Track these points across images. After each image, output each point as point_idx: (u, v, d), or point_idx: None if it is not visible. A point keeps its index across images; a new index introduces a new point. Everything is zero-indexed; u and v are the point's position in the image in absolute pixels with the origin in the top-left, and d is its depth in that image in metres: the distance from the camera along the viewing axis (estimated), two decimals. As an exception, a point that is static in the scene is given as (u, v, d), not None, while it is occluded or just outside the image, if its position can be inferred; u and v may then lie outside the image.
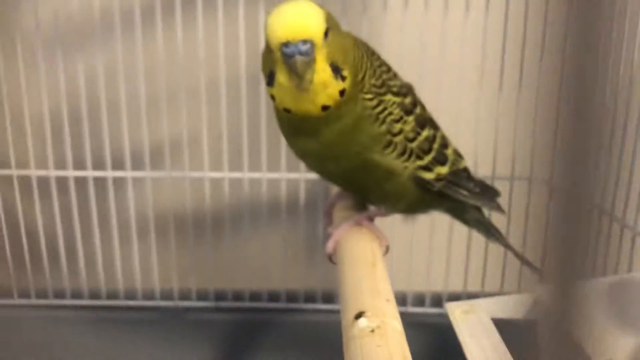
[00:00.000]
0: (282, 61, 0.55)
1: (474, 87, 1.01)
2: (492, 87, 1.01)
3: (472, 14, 0.98)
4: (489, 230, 0.77)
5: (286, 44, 0.54)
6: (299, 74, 0.54)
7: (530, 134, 0.97)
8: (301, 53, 0.54)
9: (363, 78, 0.60)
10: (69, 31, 1.01)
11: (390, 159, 0.63)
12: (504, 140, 1.04)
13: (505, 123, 1.02)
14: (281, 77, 0.56)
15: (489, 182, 1.03)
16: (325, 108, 0.57)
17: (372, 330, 0.46)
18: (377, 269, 0.58)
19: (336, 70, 0.57)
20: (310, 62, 0.54)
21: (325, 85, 0.56)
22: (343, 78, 0.57)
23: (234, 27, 1.00)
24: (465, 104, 1.00)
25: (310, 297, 1.12)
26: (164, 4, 1.00)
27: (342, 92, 0.57)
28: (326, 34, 0.56)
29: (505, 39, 0.98)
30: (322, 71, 0.56)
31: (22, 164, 1.05)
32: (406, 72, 0.73)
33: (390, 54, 0.97)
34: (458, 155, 0.73)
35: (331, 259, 0.68)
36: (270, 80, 0.58)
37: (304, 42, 0.54)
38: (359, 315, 0.48)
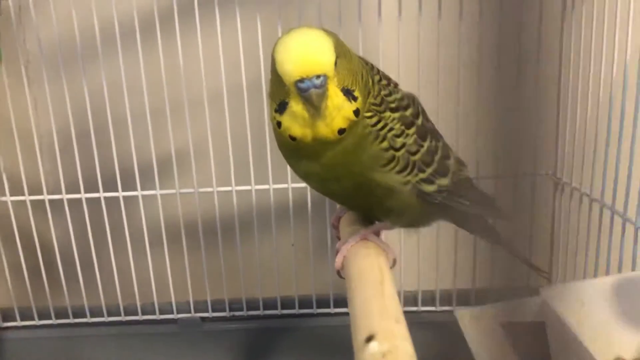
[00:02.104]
0: (296, 93, 0.57)
1: (472, 89, 1.02)
2: (489, 88, 1.02)
3: (465, 18, 0.99)
4: (494, 238, 0.78)
5: (301, 80, 0.56)
6: (315, 105, 0.56)
7: (533, 130, 0.98)
8: (316, 87, 0.56)
9: (367, 97, 0.62)
10: (71, 51, 1.02)
11: (391, 176, 0.64)
12: (505, 138, 1.04)
13: (505, 122, 1.03)
14: (295, 106, 0.58)
15: (491, 181, 1.05)
16: (341, 132, 0.59)
17: (384, 355, 0.47)
18: (385, 287, 0.59)
19: (347, 92, 0.59)
20: (325, 92, 0.56)
21: (339, 108, 0.58)
22: (355, 98, 0.59)
23: (233, 37, 1.01)
24: (464, 106, 1.01)
25: (322, 302, 1.14)
26: (162, 19, 1.01)
27: (356, 112, 0.59)
28: (335, 62, 0.57)
29: (501, 40, 0.99)
30: (335, 96, 0.57)
31: (35, 190, 1.08)
32: (402, 80, 0.74)
33: (386, 62, 0.98)
34: (460, 164, 0.74)
35: (340, 274, 0.70)
36: (281, 108, 0.59)
37: (318, 76, 0.56)
38: (369, 339, 0.50)
